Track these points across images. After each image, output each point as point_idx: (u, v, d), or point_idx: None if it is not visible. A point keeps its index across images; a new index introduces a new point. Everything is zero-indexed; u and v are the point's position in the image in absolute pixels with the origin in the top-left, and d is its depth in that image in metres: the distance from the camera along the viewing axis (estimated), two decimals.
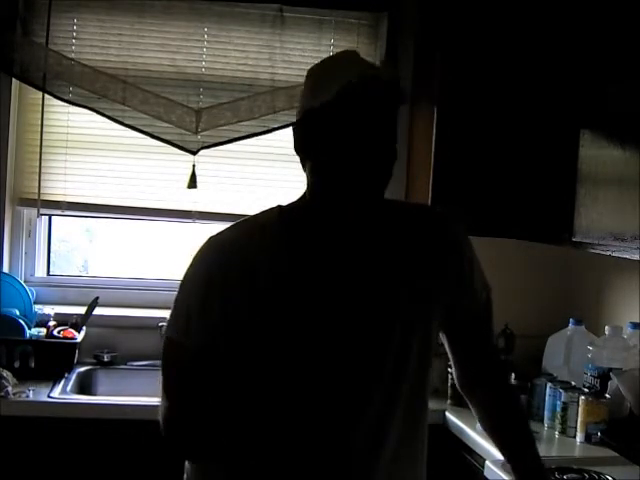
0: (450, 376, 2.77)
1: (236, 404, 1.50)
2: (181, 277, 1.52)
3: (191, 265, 1.52)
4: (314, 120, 1.44)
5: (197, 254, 1.52)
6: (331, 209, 1.48)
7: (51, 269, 3.32)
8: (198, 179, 3.11)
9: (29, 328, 2.88)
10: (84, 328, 2.98)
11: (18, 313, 2.94)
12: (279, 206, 1.55)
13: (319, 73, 1.49)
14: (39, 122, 3.06)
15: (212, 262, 1.49)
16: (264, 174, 3.19)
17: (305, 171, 1.50)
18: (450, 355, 1.69)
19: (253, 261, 1.46)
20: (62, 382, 2.75)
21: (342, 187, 1.44)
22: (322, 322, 1.46)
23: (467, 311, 1.61)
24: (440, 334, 1.64)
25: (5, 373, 2.61)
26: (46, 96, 3.04)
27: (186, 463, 1.61)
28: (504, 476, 2.05)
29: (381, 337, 1.48)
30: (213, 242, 1.52)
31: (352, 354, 1.47)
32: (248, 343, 1.46)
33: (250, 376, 1.48)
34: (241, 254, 1.47)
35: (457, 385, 1.73)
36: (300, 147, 1.48)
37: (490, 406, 1.69)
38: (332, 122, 1.41)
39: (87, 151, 3.12)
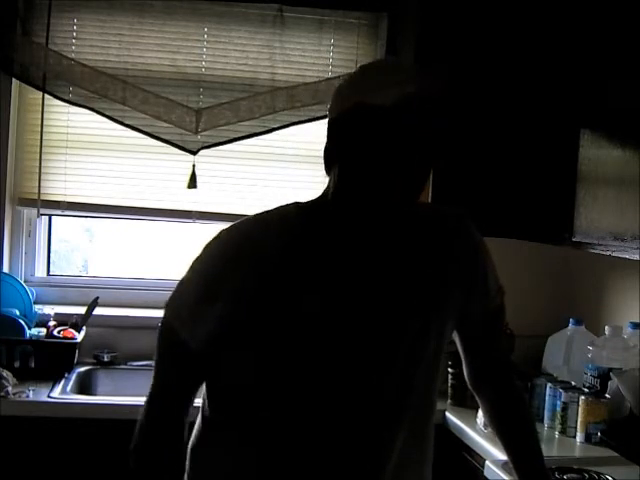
0: (450, 376, 2.77)
1: (241, 402, 1.50)
2: (190, 268, 1.50)
3: (201, 257, 1.49)
4: (363, 117, 1.37)
5: (208, 246, 1.49)
6: (352, 211, 1.45)
7: (51, 269, 3.32)
8: (198, 179, 3.11)
9: (29, 328, 2.88)
10: (84, 328, 2.98)
11: (18, 313, 2.94)
12: (296, 203, 1.51)
13: (375, 72, 1.44)
14: (39, 122, 3.06)
15: (224, 256, 1.47)
16: (264, 174, 3.19)
17: (330, 172, 1.45)
18: (461, 353, 1.70)
19: (266, 257, 1.44)
20: (62, 382, 2.75)
21: (369, 195, 1.40)
22: (334, 323, 1.44)
23: (480, 314, 1.61)
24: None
25: (5, 373, 2.61)
26: (46, 96, 3.04)
27: (187, 463, 1.60)
28: (504, 476, 2.05)
29: (395, 338, 1.47)
30: (225, 235, 1.49)
31: (367, 354, 1.46)
32: (256, 342, 1.45)
33: (261, 374, 1.47)
34: (254, 249, 1.45)
35: (467, 382, 1.73)
36: (336, 144, 1.41)
37: (497, 405, 1.70)
38: (383, 126, 1.35)
39: (87, 151, 3.12)
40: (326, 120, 1.47)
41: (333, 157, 1.43)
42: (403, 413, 1.50)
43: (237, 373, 1.49)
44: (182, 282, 1.52)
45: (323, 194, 1.50)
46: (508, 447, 1.69)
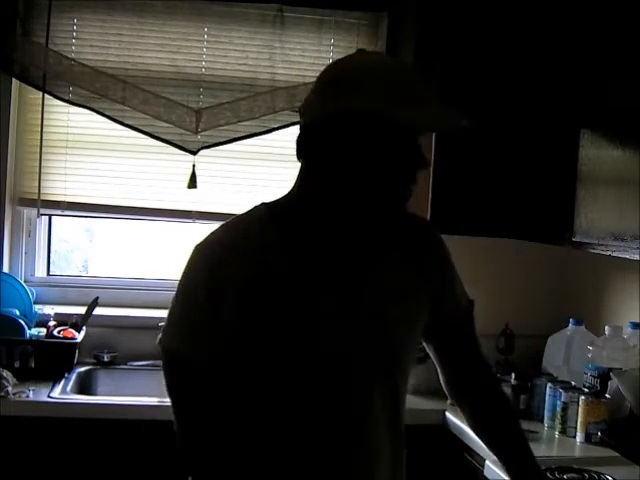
0: None
1: (240, 411, 1.50)
2: (175, 288, 1.52)
3: (183, 275, 1.50)
4: (328, 125, 1.40)
5: (187, 263, 1.50)
6: (326, 207, 1.47)
7: (51, 269, 3.32)
8: (198, 179, 3.11)
9: (29, 328, 2.88)
10: (84, 328, 2.98)
11: (18, 313, 2.94)
12: (263, 204, 1.52)
13: (340, 77, 1.42)
14: (39, 122, 3.06)
15: (203, 269, 1.47)
16: (264, 174, 3.19)
17: (301, 166, 1.49)
18: (437, 364, 1.69)
19: (246, 261, 1.45)
20: (62, 382, 2.75)
21: (338, 192, 1.44)
22: (318, 323, 1.45)
23: (450, 316, 1.61)
24: (426, 345, 1.66)
25: (5, 373, 2.61)
26: (46, 96, 3.04)
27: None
28: (504, 476, 2.05)
29: (374, 337, 1.48)
30: (201, 249, 1.49)
31: (350, 352, 1.46)
32: (249, 347, 1.46)
33: (255, 378, 1.48)
34: (233, 256, 1.45)
35: (448, 393, 1.72)
36: (305, 147, 1.45)
37: (480, 411, 1.69)
38: (396, 140, 1.40)
39: (87, 151, 3.12)
40: None
41: (311, 152, 1.45)
42: (389, 408, 1.52)
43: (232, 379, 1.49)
44: (170, 309, 1.52)
45: (290, 191, 1.52)
46: (498, 451, 1.67)
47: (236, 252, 1.46)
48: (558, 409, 2.49)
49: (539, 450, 2.38)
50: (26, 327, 2.86)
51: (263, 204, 1.52)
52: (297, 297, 1.45)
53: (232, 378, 1.49)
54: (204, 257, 1.48)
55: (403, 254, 1.54)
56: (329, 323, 1.45)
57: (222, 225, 1.52)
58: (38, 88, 3.03)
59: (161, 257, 3.45)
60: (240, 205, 3.09)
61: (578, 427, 2.43)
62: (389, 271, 1.51)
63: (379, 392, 1.49)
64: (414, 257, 1.55)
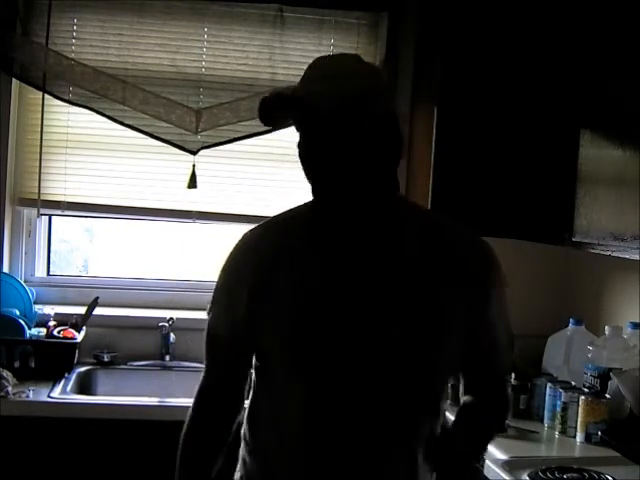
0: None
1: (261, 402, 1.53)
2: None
3: (226, 259, 1.57)
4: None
5: (232, 250, 1.57)
6: (340, 211, 1.48)
7: (51, 269, 3.32)
8: (198, 179, 3.11)
9: (29, 328, 2.88)
10: (84, 328, 2.98)
11: (18, 313, 2.94)
12: (305, 204, 1.55)
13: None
14: (39, 122, 3.06)
15: (241, 259, 1.54)
16: (264, 174, 3.19)
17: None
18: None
19: (283, 259, 1.48)
20: (62, 382, 2.75)
21: (333, 191, 1.46)
22: (351, 324, 1.45)
23: (477, 348, 1.58)
24: None
25: (5, 373, 2.61)
26: (46, 96, 3.04)
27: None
28: (504, 475, 2.06)
29: (406, 339, 1.46)
30: (244, 239, 1.56)
31: (380, 353, 1.46)
32: (275, 341, 1.48)
33: (277, 370, 1.50)
34: (250, 255, 1.52)
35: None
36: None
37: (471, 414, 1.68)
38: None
39: (87, 151, 3.12)
40: None
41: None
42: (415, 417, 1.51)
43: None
44: (214, 290, 1.60)
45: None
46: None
47: (254, 251, 1.53)
48: (558, 409, 2.49)
49: (539, 450, 2.38)
50: (26, 327, 2.86)
51: (304, 204, 1.56)
52: (324, 298, 1.46)
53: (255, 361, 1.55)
54: (235, 250, 1.57)
55: (437, 268, 1.50)
56: (354, 325, 1.45)
57: (269, 219, 1.59)
58: (38, 88, 3.03)
59: (161, 257, 3.45)
60: (240, 205, 3.16)
61: (578, 427, 2.42)
62: (411, 281, 1.48)
63: (405, 395, 1.48)
64: (451, 274, 1.51)
